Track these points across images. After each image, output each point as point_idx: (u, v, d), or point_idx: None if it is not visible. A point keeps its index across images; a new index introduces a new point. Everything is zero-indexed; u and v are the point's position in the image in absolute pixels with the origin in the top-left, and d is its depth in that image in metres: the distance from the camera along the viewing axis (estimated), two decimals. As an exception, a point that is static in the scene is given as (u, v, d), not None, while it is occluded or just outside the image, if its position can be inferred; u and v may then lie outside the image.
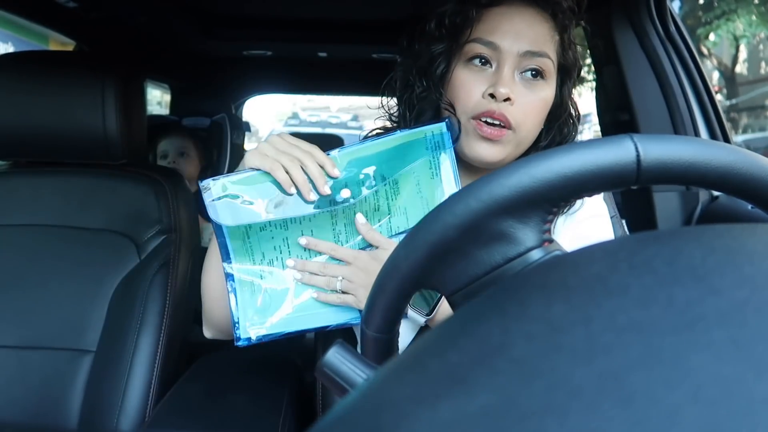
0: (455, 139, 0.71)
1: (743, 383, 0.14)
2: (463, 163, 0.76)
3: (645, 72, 1.24)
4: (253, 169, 0.67)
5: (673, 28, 1.24)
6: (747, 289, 0.18)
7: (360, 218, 0.70)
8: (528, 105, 0.72)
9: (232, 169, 2.19)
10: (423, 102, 0.76)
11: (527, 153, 0.77)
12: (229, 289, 0.70)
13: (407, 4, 1.38)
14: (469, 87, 0.72)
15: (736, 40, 9.61)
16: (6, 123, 1.07)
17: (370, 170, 0.69)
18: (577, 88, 0.80)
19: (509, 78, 0.71)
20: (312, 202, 0.67)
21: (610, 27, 1.26)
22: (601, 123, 1.48)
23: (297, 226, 0.69)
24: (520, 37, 0.71)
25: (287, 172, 0.65)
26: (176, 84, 2.57)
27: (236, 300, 0.70)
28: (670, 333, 0.16)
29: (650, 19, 1.23)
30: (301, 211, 0.67)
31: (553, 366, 0.16)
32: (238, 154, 2.49)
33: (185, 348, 1.11)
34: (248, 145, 3.49)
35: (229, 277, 0.70)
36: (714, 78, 12.05)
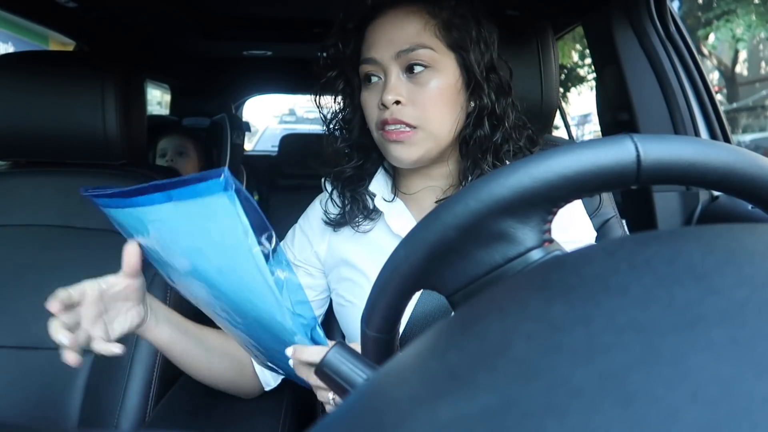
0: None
1: (743, 383, 0.14)
2: (399, 168, 0.82)
3: (645, 72, 1.24)
4: None
5: (673, 28, 1.24)
6: (747, 289, 0.18)
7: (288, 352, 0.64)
8: (423, 99, 0.74)
9: (231, 168, 2.19)
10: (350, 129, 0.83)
11: (461, 139, 0.78)
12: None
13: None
14: (369, 105, 0.77)
15: (736, 41, 9.57)
16: (6, 123, 1.07)
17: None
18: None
19: (394, 83, 0.73)
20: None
21: (610, 27, 1.26)
22: (601, 123, 1.48)
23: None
24: (391, 41, 0.74)
25: None
26: (176, 84, 2.57)
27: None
28: (670, 333, 0.16)
29: (650, 19, 1.23)
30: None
31: (553, 366, 0.16)
32: (238, 154, 2.48)
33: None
34: (247, 144, 3.47)
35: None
36: (714, 78, 12.04)
